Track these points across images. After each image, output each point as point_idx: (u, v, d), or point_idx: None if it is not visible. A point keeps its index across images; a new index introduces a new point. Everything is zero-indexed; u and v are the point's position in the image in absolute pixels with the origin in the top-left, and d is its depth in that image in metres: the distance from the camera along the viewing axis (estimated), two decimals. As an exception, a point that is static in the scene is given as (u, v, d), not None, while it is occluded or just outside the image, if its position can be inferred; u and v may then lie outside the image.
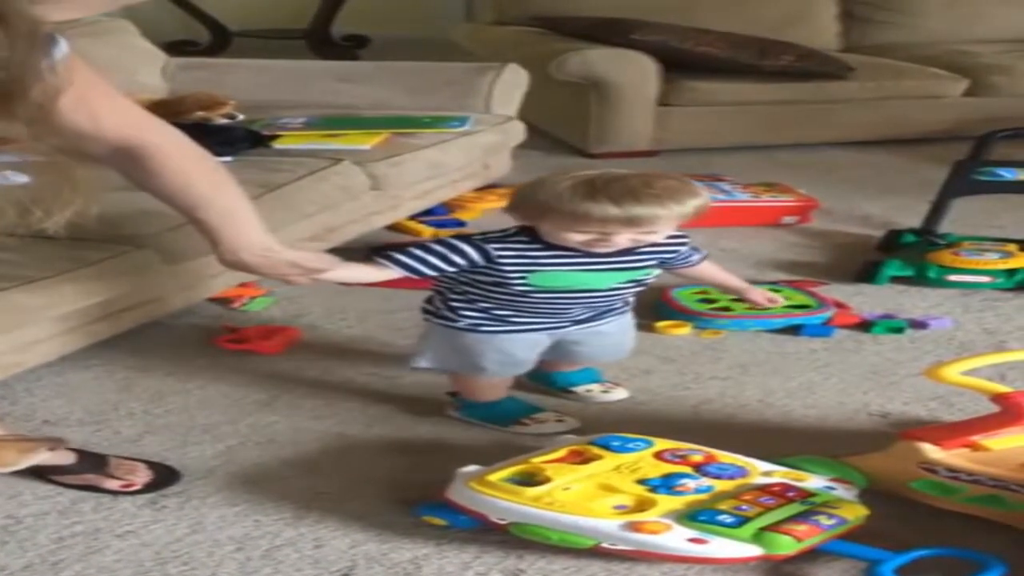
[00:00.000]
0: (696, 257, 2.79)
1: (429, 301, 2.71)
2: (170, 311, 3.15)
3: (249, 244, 2.52)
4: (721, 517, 2.12)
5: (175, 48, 6.28)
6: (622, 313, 2.76)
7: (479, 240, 2.57)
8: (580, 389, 2.85)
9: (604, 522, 2.13)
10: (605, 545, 2.11)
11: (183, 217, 2.55)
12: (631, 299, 2.76)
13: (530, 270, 2.55)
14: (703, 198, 2.56)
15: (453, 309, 2.64)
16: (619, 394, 2.87)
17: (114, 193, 2.55)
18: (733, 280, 2.99)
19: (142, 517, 2.30)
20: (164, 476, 2.44)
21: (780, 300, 3.18)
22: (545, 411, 2.73)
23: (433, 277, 2.63)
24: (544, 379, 2.86)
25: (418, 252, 2.58)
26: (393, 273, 2.60)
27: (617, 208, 2.45)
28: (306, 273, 2.56)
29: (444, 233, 3.93)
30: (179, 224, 2.73)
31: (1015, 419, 2.37)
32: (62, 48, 2.07)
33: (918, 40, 6.23)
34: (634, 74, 5.28)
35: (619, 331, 2.78)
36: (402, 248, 2.60)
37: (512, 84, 4.42)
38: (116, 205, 2.85)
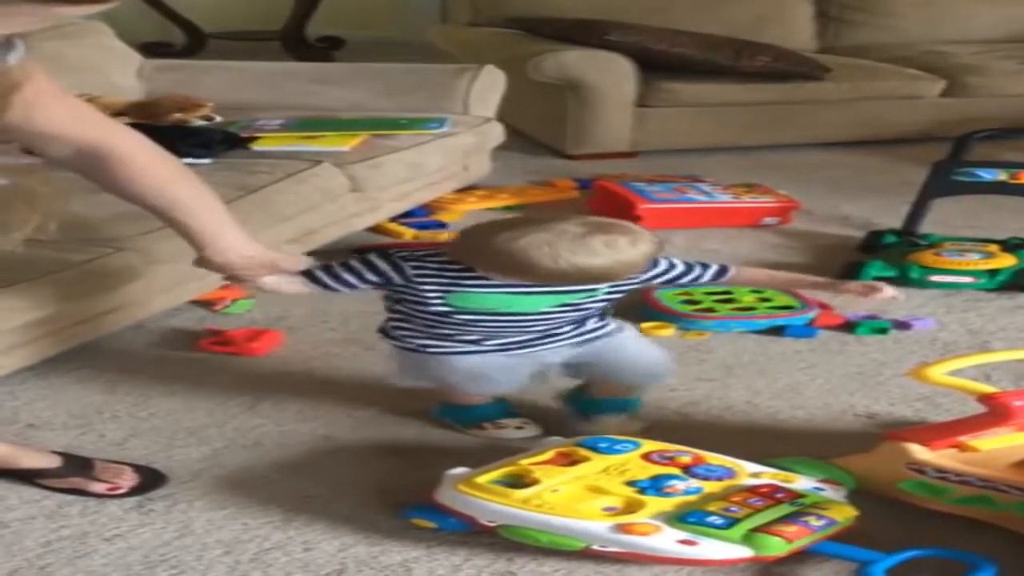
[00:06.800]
0: (700, 272, 2.67)
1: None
2: (152, 313, 3.13)
3: (234, 245, 2.52)
4: (711, 519, 2.11)
5: (149, 50, 6.25)
6: (592, 339, 2.63)
7: (398, 257, 2.54)
8: (600, 418, 2.65)
9: (593, 524, 2.12)
10: (595, 547, 2.11)
11: (159, 220, 2.54)
12: (595, 322, 2.63)
13: (448, 290, 2.51)
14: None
15: (392, 327, 2.64)
16: (633, 426, 2.62)
17: (94, 196, 2.54)
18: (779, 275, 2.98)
19: (129, 521, 2.29)
20: (151, 479, 2.42)
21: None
22: (515, 417, 2.68)
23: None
24: (575, 403, 2.72)
25: (335, 269, 2.57)
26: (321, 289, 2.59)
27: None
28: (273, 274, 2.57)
29: (425, 235, 3.95)
30: (160, 227, 2.72)
31: (1001, 419, 2.37)
32: (19, 51, 2.07)
33: (893, 41, 6.25)
34: (611, 75, 5.27)
35: (600, 354, 2.64)
36: (326, 264, 2.60)
37: (489, 86, 4.42)
38: (96, 208, 2.84)
